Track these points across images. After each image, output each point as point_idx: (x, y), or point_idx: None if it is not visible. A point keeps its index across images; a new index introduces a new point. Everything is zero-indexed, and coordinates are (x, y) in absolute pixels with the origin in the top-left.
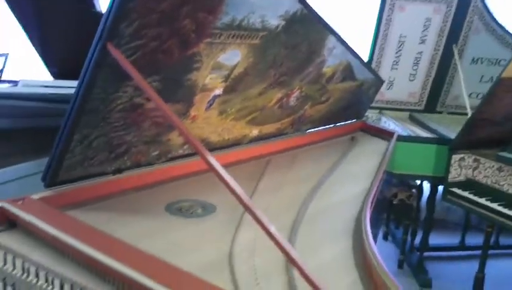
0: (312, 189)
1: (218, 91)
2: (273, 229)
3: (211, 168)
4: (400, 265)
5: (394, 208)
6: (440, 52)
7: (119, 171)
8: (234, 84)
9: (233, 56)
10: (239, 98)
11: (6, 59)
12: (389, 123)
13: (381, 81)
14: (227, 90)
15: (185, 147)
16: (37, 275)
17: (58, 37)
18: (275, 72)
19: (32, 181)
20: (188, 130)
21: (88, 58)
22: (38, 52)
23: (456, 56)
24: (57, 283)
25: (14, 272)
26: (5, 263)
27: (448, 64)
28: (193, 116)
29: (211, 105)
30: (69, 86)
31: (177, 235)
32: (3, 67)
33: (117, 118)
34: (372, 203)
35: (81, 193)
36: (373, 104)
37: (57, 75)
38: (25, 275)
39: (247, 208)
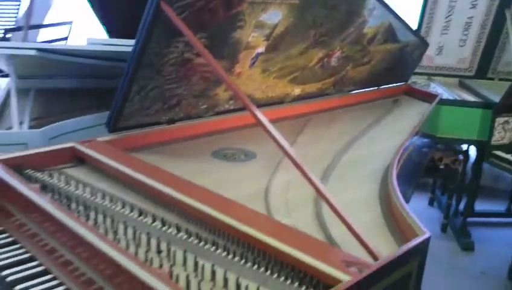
0: (347, 143)
1: (261, 49)
2: (308, 170)
3: (256, 119)
4: (443, 229)
5: (439, 173)
6: (491, 17)
7: (172, 121)
8: (276, 43)
9: (274, 16)
10: (281, 56)
11: (70, 27)
12: (437, 89)
13: (426, 44)
14: (270, 49)
15: (231, 102)
16: (103, 197)
17: (117, 1)
18: (315, 32)
19: (95, 131)
20: (234, 83)
21: (144, 16)
22: (98, 18)
23: (509, 21)
24: (118, 204)
25: (84, 195)
26: (76, 189)
27: (500, 30)
28: (238, 73)
29: (254, 63)
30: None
31: (222, 175)
32: (68, 35)
33: (169, 72)
34: (401, 156)
35: (138, 139)
36: (422, 70)
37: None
38: (93, 197)
39: (286, 153)
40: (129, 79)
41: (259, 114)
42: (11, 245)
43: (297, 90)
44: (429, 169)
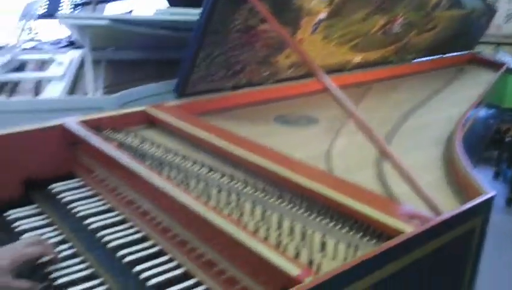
0: (408, 111)
1: (323, 15)
2: (373, 130)
3: (321, 83)
4: (509, 203)
5: (505, 146)
6: None
7: (235, 87)
8: (337, 9)
9: None
10: (342, 23)
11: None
12: (505, 58)
13: (493, 12)
14: (331, 15)
15: (291, 70)
16: (175, 155)
17: None
18: None
19: (162, 97)
20: (301, 47)
21: None
22: None
23: None
24: (189, 161)
25: (157, 153)
26: (150, 147)
27: None
28: (300, 39)
29: (316, 29)
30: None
31: (284, 138)
32: (131, 9)
33: (234, 38)
34: (465, 125)
35: (204, 104)
36: (489, 39)
37: None
38: (166, 155)
39: (352, 115)
40: (196, 46)
41: (326, 77)
42: (92, 197)
43: (357, 58)
44: (494, 141)
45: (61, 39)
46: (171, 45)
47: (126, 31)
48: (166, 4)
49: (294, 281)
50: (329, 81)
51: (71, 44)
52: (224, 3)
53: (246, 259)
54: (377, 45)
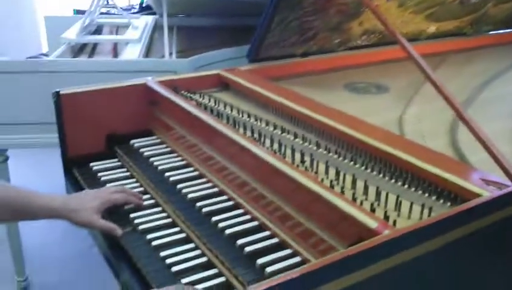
0: (484, 83)
1: None
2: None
3: (404, 50)
4: None
5: None
6: None
7: (305, 54)
8: None
9: None
10: None
11: None
12: None
13: None
14: None
15: (363, 37)
16: (249, 116)
17: None
18: None
19: (233, 63)
20: (382, 13)
21: None
22: None
23: None
24: (263, 122)
25: (232, 114)
26: (225, 108)
27: None
28: (375, 6)
29: None
30: None
31: (355, 104)
32: None
33: (309, 4)
34: None
35: (275, 69)
36: None
37: None
38: (240, 115)
39: (430, 80)
40: (272, 10)
41: (406, 43)
42: (170, 153)
43: (432, 28)
44: None
45: (133, 5)
46: (242, 12)
47: None
48: None
49: (372, 233)
50: (410, 47)
51: (142, 10)
52: None
53: (323, 212)
54: (452, 15)
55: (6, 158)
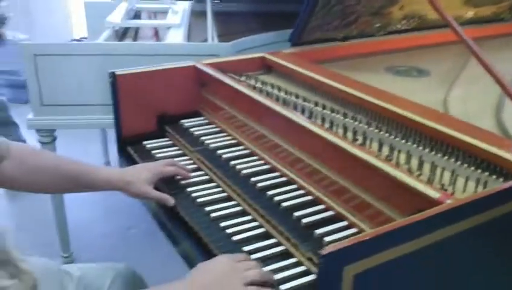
0: None
1: None
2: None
3: (454, 32)
4: None
5: None
6: None
7: (345, 38)
8: None
9: None
10: None
11: None
12: None
13: None
14: None
15: (403, 22)
16: (297, 97)
17: None
18: None
19: (273, 47)
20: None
21: None
22: None
23: None
24: (311, 103)
25: (280, 94)
26: (272, 89)
27: None
28: None
29: None
30: None
31: (397, 86)
32: None
33: None
34: None
35: (317, 53)
36: None
37: None
38: (288, 96)
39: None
40: None
41: (458, 27)
42: (219, 133)
43: (470, 13)
44: None
45: None
46: None
47: None
48: None
49: (434, 203)
50: (460, 28)
51: None
52: None
53: (380, 185)
54: (491, 0)
55: (54, 138)
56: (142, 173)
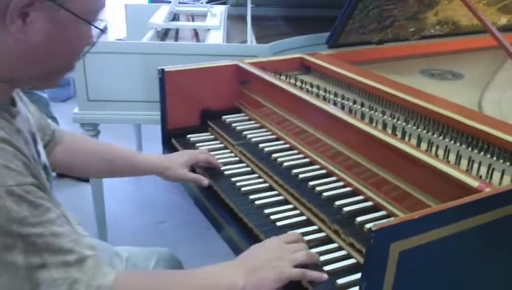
0: None
1: None
2: None
3: (493, 36)
4: None
5: None
6: None
7: (381, 42)
8: None
9: None
10: None
11: None
12: None
13: None
14: None
15: (437, 27)
16: (335, 95)
17: None
18: None
19: (309, 50)
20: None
21: None
22: None
23: None
24: (350, 100)
25: (320, 92)
26: (312, 87)
27: None
28: None
29: None
30: None
31: (432, 89)
32: None
33: None
34: None
35: (353, 55)
36: None
37: None
38: (327, 94)
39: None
40: None
41: (497, 32)
42: (260, 128)
43: (503, 20)
44: None
45: None
46: (308, 4)
47: None
48: None
49: (474, 191)
50: (501, 36)
51: (211, 0)
52: None
53: (420, 175)
54: None
55: (98, 132)
56: (177, 158)
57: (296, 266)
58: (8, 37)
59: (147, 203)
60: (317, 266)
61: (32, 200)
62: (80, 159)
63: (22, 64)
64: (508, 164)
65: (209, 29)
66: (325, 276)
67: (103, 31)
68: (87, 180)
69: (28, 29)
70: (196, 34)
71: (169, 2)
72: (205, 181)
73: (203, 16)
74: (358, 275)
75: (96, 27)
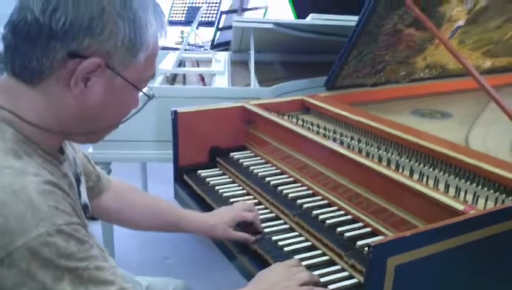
0: None
1: (461, 22)
2: None
3: (475, 79)
4: None
5: None
6: None
7: (374, 84)
8: (475, 17)
9: None
10: (478, 30)
11: (265, 12)
12: None
13: None
14: (469, 22)
15: (426, 70)
16: (334, 132)
17: None
18: None
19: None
20: (454, 47)
21: None
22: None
23: None
24: (348, 137)
25: (319, 130)
26: (312, 126)
27: None
28: (437, 44)
29: (453, 35)
30: (344, 19)
31: (423, 127)
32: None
33: (383, 40)
34: None
35: (349, 96)
36: None
37: None
38: (326, 132)
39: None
40: (351, 45)
41: (479, 75)
42: (265, 164)
43: (488, 63)
44: None
45: (204, 43)
46: (308, 50)
47: (285, 34)
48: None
49: (461, 213)
50: (483, 78)
51: (214, 47)
52: (384, 7)
53: (412, 202)
54: (507, 52)
55: (110, 171)
56: (222, 217)
57: (302, 285)
58: (69, 96)
59: (151, 237)
60: (321, 285)
61: (79, 237)
62: (129, 210)
63: (75, 121)
64: (492, 191)
65: (214, 74)
66: None
67: (150, 98)
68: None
69: (88, 91)
70: (202, 78)
71: (176, 49)
72: (251, 239)
73: (207, 61)
74: None
75: (146, 94)
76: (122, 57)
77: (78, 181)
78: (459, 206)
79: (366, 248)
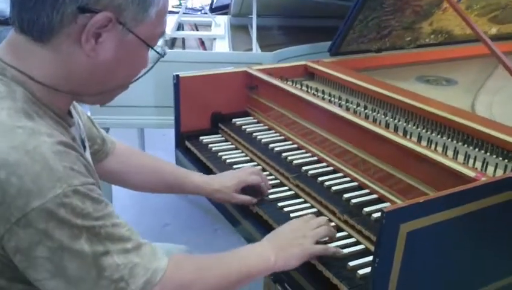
0: None
1: None
2: None
3: (485, 44)
4: None
5: None
6: None
7: (379, 50)
8: None
9: None
10: None
11: None
12: None
13: None
14: None
15: (432, 36)
16: (339, 99)
17: None
18: None
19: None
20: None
21: None
22: None
23: None
24: (353, 104)
25: (323, 96)
26: (316, 92)
27: None
28: (444, 8)
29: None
30: None
31: (427, 94)
32: None
33: (389, 4)
34: None
35: (353, 62)
36: None
37: None
38: (330, 98)
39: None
40: (358, 9)
41: (489, 41)
42: (268, 130)
43: (494, 30)
44: None
45: (203, 7)
46: (309, 14)
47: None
48: None
49: (472, 180)
50: (492, 44)
51: (213, 11)
52: None
53: (421, 169)
54: None
55: None
56: (227, 181)
57: (318, 242)
58: (80, 54)
59: (150, 206)
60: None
61: (94, 197)
62: (134, 172)
63: (85, 80)
64: (501, 158)
65: (214, 39)
66: (342, 251)
67: (162, 55)
68: None
69: (99, 48)
70: (202, 42)
71: (175, 13)
72: (253, 201)
73: (206, 25)
74: (367, 258)
75: (156, 52)
76: (134, 11)
77: (84, 147)
78: (471, 173)
79: (374, 214)
